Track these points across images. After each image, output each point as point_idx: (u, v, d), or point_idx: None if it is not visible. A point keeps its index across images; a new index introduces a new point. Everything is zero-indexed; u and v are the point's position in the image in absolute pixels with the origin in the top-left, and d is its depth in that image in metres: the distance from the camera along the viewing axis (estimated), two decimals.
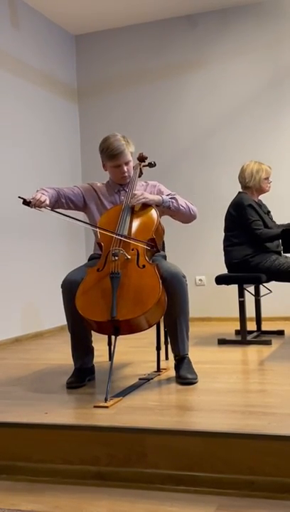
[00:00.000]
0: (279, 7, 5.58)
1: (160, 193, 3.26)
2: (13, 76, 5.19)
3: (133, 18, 5.87)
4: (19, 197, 2.89)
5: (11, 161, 5.07)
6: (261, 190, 4.42)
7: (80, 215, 3.31)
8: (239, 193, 4.42)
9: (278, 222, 4.54)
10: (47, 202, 2.95)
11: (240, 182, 4.43)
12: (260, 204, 4.44)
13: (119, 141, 3.15)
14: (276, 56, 5.60)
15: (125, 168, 3.20)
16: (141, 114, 5.99)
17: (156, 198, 3.13)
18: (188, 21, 5.84)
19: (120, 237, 2.93)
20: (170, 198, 3.16)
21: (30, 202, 2.89)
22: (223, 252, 4.39)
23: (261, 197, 4.51)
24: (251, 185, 4.36)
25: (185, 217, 3.21)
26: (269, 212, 4.52)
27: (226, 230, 4.41)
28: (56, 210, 3.04)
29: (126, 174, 3.22)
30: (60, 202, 3.19)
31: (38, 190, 3.07)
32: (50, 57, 5.79)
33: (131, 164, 3.25)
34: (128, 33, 6.03)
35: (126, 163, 3.20)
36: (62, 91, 5.98)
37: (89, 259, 3.31)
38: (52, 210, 2.99)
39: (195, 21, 5.82)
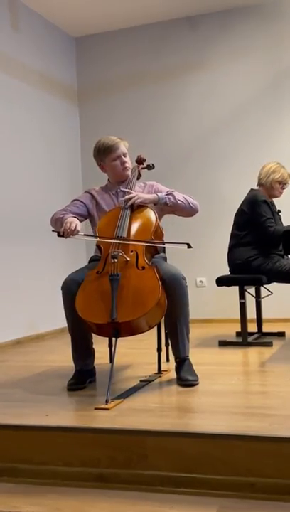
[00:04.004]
0: (280, 9, 5.58)
1: (157, 191, 3.28)
2: (13, 78, 5.19)
3: (134, 20, 5.88)
4: (53, 231, 3.05)
5: (11, 164, 5.07)
6: (272, 193, 4.39)
7: None
8: (252, 190, 4.42)
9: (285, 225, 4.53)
10: (78, 228, 3.01)
11: (258, 177, 4.43)
12: (272, 203, 4.44)
13: (111, 137, 3.27)
14: (277, 57, 5.60)
15: (124, 158, 3.25)
16: (142, 116, 6.00)
17: (151, 196, 3.15)
18: (188, 23, 5.84)
19: (119, 241, 2.93)
20: (167, 195, 3.17)
21: (63, 233, 2.96)
22: (227, 251, 4.38)
23: None
24: (263, 183, 4.36)
25: (186, 211, 3.23)
26: (279, 211, 4.52)
27: (235, 228, 4.40)
28: (87, 234, 3.12)
29: (127, 165, 3.28)
30: None
31: (63, 219, 3.08)
32: (50, 60, 5.79)
33: (129, 158, 3.29)
34: (128, 34, 6.03)
35: (124, 155, 3.26)
36: (63, 93, 5.98)
37: (89, 261, 3.31)
38: (84, 235, 3.07)
39: (195, 23, 5.83)
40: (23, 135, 5.27)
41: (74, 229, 2.97)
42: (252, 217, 4.26)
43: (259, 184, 4.41)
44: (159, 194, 3.17)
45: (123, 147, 3.25)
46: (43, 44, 5.70)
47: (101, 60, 6.14)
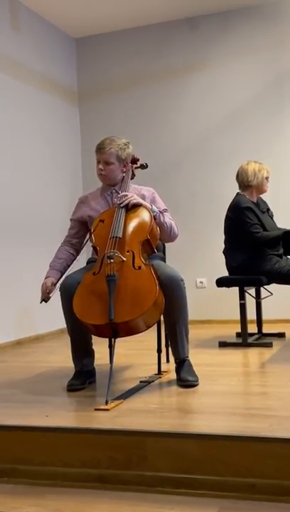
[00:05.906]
0: (280, 9, 5.59)
1: (153, 200, 3.25)
2: (13, 79, 5.19)
3: (134, 21, 5.88)
4: (40, 302, 3.21)
5: (10, 165, 5.07)
6: (262, 190, 4.39)
7: None
8: (237, 194, 4.39)
9: (281, 225, 4.52)
10: (48, 284, 3.23)
11: (241, 181, 4.36)
12: (258, 203, 4.41)
13: (111, 140, 3.19)
14: (277, 58, 5.61)
15: (101, 166, 3.20)
16: (142, 117, 6.00)
17: (147, 204, 3.12)
18: (188, 24, 5.85)
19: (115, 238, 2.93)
20: (159, 211, 3.15)
21: (44, 299, 3.17)
22: (223, 255, 4.38)
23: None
24: (253, 185, 4.32)
25: (164, 235, 3.19)
26: (268, 209, 4.50)
27: (224, 232, 4.40)
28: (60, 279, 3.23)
29: (103, 173, 3.21)
30: (78, 247, 3.33)
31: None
32: (50, 60, 5.80)
33: (114, 168, 3.20)
34: (128, 35, 6.04)
35: (106, 163, 3.18)
36: (63, 94, 5.98)
37: (87, 263, 3.31)
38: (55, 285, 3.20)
39: (194, 24, 5.83)
40: (24, 136, 5.27)
41: (44, 291, 3.19)
42: (238, 224, 4.25)
43: (246, 186, 4.34)
44: (153, 207, 3.14)
45: (109, 155, 3.16)
46: (44, 45, 5.70)
47: (102, 61, 6.15)
